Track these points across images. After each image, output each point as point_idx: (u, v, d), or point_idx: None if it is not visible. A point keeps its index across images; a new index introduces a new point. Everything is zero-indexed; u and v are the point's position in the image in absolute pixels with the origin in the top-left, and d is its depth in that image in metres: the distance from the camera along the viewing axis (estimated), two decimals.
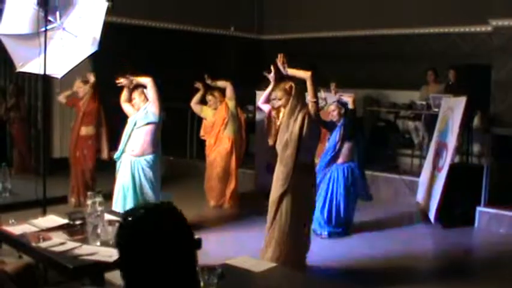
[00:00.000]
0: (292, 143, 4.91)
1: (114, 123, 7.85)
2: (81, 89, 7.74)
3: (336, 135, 6.70)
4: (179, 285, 1.71)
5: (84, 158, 7.76)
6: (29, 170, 9.90)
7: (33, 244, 3.54)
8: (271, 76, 5.48)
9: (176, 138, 9.91)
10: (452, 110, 7.71)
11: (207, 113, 8.31)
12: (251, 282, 2.98)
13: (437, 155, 7.69)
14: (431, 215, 7.16)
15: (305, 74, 5.05)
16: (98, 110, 7.84)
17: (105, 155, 7.85)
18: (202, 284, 2.72)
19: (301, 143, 4.91)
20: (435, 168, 7.63)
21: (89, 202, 3.70)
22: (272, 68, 5.41)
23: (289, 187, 4.93)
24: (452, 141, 7.34)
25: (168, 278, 1.69)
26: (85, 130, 7.73)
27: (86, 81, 7.81)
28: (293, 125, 4.93)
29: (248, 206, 8.05)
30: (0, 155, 9.05)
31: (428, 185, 7.66)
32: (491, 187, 7.40)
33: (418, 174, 8.58)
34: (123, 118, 6.47)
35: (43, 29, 5.10)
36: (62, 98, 7.91)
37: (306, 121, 4.91)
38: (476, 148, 8.96)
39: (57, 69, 5.44)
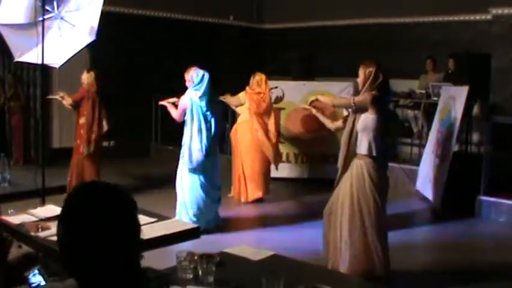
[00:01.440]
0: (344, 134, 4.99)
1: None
2: (84, 76, 7.55)
3: None
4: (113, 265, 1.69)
5: (77, 147, 7.57)
6: (28, 160, 9.92)
7: (32, 234, 3.54)
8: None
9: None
10: (454, 99, 7.71)
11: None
12: (249, 270, 2.98)
13: (439, 144, 7.69)
14: (436, 204, 7.19)
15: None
16: (89, 101, 7.49)
17: (81, 148, 7.47)
18: (200, 272, 2.73)
19: (352, 134, 4.90)
20: (437, 157, 7.63)
21: None
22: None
23: (343, 172, 4.97)
24: (455, 130, 7.36)
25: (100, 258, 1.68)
26: (81, 119, 7.51)
27: (87, 71, 7.65)
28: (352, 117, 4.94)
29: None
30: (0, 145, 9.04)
31: (430, 174, 7.67)
32: (490, 176, 7.40)
33: (417, 163, 8.58)
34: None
35: (41, 18, 5.09)
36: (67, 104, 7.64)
37: (359, 114, 4.85)
38: (475, 137, 8.96)
39: (56, 58, 5.44)
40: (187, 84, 6.36)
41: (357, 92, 5.44)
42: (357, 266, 4.81)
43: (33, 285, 2.22)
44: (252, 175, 7.94)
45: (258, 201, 7.93)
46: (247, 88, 7.97)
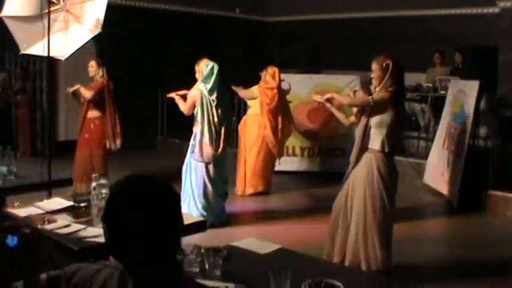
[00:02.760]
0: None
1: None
2: (93, 68, 7.26)
3: None
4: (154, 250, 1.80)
5: (87, 142, 7.36)
6: (34, 153, 9.93)
7: (39, 226, 3.54)
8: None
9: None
10: (465, 94, 7.69)
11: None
12: (256, 263, 2.97)
13: (453, 139, 7.66)
14: (453, 200, 7.20)
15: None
16: (109, 96, 7.29)
17: (107, 144, 7.34)
18: (207, 265, 2.72)
19: (366, 128, 4.78)
20: (452, 153, 7.60)
21: (93, 184, 3.69)
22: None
23: (354, 167, 4.87)
24: (468, 125, 7.33)
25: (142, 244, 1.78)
26: (90, 113, 7.33)
27: (99, 63, 7.35)
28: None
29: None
30: (5, 138, 9.03)
31: (443, 169, 7.65)
32: (498, 170, 7.37)
33: (424, 157, 8.56)
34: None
35: (46, 10, 5.06)
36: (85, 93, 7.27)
37: (375, 107, 4.71)
38: (483, 131, 8.91)
39: (61, 51, 5.42)
40: (197, 75, 6.31)
41: (366, 87, 5.27)
42: (354, 261, 4.76)
43: (11, 245, 2.24)
44: (253, 169, 7.92)
45: (260, 194, 7.92)
46: (261, 82, 7.93)
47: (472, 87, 7.51)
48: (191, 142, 6.34)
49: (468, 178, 7.22)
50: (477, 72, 7.88)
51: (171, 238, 1.83)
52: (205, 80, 6.18)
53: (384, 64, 4.65)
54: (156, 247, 1.79)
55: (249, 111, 8.15)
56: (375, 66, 4.71)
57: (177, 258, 1.89)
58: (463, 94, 7.76)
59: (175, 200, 1.87)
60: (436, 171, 7.96)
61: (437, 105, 9.15)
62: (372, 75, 4.77)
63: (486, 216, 7.28)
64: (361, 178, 4.78)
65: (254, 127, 7.91)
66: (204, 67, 6.22)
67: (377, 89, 4.74)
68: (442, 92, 9.01)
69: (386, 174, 4.74)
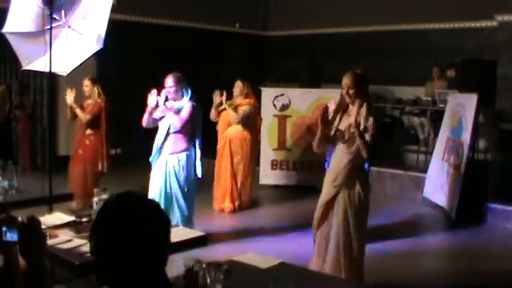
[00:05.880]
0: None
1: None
2: (88, 88, 7.22)
3: None
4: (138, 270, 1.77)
5: (82, 158, 7.24)
6: (35, 168, 9.93)
7: None
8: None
9: None
10: (464, 107, 7.71)
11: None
12: (257, 278, 2.98)
13: (451, 152, 7.68)
14: (451, 213, 7.21)
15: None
16: (106, 115, 7.23)
17: (102, 166, 7.22)
18: (208, 280, 2.73)
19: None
20: (451, 166, 7.61)
21: (95, 199, 3.70)
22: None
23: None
24: (467, 138, 7.35)
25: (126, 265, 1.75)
26: (88, 130, 7.22)
27: (93, 80, 7.33)
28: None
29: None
30: (6, 152, 9.04)
31: (442, 182, 7.66)
32: (497, 183, 7.38)
33: (423, 170, 8.57)
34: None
35: (48, 26, 5.10)
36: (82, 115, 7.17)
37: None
38: (482, 144, 8.94)
39: (63, 67, 5.44)
40: (173, 94, 6.17)
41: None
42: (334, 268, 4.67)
43: (11, 239, 2.25)
44: (249, 185, 7.99)
45: (252, 208, 8.01)
46: (253, 100, 7.96)
47: (470, 100, 7.54)
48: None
49: (468, 191, 7.24)
50: (475, 86, 7.91)
51: (157, 255, 1.82)
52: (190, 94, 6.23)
53: (357, 77, 4.66)
54: (141, 264, 1.77)
55: (230, 130, 7.89)
56: (348, 80, 4.65)
57: (166, 276, 1.86)
58: (461, 107, 7.79)
59: (161, 217, 1.86)
60: (436, 185, 7.97)
61: (437, 119, 9.18)
62: (345, 91, 4.67)
63: (486, 229, 7.28)
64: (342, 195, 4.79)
65: (243, 145, 7.85)
66: (183, 83, 6.23)
67: (360, 108, 4.69)
68: (441, 105, 9.04)
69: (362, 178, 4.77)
